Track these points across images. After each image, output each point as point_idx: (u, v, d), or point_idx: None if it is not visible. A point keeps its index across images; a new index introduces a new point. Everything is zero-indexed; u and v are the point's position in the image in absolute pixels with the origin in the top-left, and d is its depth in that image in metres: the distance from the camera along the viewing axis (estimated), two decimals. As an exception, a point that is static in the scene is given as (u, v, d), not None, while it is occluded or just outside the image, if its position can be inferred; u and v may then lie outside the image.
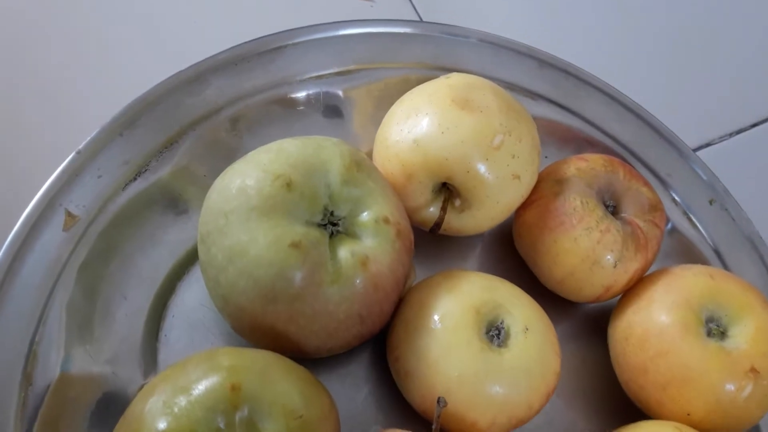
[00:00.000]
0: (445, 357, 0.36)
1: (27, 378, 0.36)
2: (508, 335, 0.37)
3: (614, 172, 0.43)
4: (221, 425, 0.30)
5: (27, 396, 0.36)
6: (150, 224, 0.42)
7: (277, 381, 0.32)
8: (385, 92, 0.49)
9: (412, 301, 0.39)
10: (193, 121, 0.45)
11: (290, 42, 0.49)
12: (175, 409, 0.30)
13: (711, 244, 0.49)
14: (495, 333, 0.37)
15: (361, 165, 0.38)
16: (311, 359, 0.38)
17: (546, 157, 0.49)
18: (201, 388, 0.30)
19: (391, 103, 0.44)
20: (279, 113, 0.47)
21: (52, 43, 0.52)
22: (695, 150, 0.58)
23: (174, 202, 0.44)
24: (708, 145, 0.60)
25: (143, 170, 0.43)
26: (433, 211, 0.42)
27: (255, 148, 0.38)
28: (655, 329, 0.39)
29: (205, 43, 0.48)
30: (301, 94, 0.48)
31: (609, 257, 0.40)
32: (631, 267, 0.41)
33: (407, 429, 0.35)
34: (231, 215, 0.35)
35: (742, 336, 0.38)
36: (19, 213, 0.39)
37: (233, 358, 0.32)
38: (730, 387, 0.37)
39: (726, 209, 0.50)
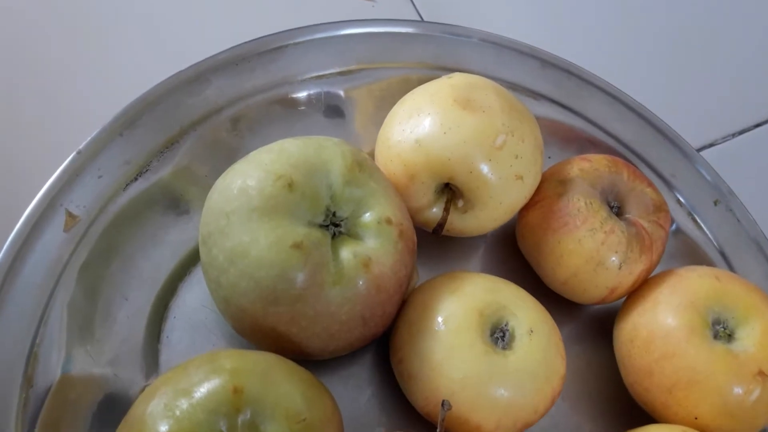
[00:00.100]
0: (448, 359, 0.36)
1: (28, 379, 0.36)
2: (512, 337, 0.37)
3: (618, 173, 0.43)
4: (223, 428, 0.30)
5: (28, 397, 0.36)
6: (151, 225, 0.42)
7: (280, 383, 0.31)
8: (387, 92, 0.49)
9: (416, 303, 0.39)
10: (194, 121, 0.45)
11: (291, 42, 0.48)
12: (177, 412, 0.29)
13: (716, 245, 0.49)
14: (499, 335, 0.37)
15: (363, 165, 0.38)
16: (314, 361, 0.38)
17: (549, 157, 0.49)
18: (203, 390, 0.30)
19: (393, 103, 0.44)
20: (280, 113, 0.47)
21: (52, 42, 0.52)
22: (698, 150, 0.57)
23: (175, 202, 0.43)
24: (711, 145, 0.60)
25: (144, 170, 0.43)
26: (435, 211, 0.42)
27: (256, 149, 0.38)
28: (661, 331, 0.39)
29: (206, 43, 0.48)
30: (302, 94, 0.48)
31: (613, 258, 0.40)
32: (636, 268, 0.41)
33: (410, 432, 0.35)
34: (232, 216, 0.34)
35: (749, 339, 0.38)
36: (20, 213, 0.39)
37: (235, 361, 0.32)
38: (737, 390, 0.37)
39: (731, 210, 0.50)
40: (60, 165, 0.41)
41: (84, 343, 0.38)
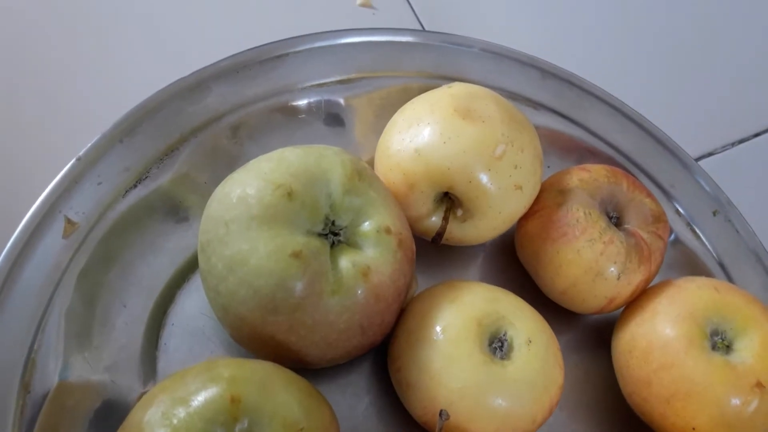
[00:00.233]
0: (447, 368, 0.36)
1: (25, 386, 0.36)
2: (511, 347, 0.37)
3: (617, 183, 0.43)
4: (221, 438, 0.29)
5: (25, 404, 0.36)
6: (150, 232, 0.42)
7: (278, 392, 0.31)
8: (387, 101, 0.49)
9: (414, 312, 0.39)
10: (194, 128, 0.45)
11: (292, 50, 0.49)
12: (174, 421, 0.29)
13: (715, 255, 0.49)
14: (498, 345, 0.37)
15: (363, 174, 0.38)
16: (312, 370, 0.38)
17: (548, 167, 0.49)
18: (200, 399, 0.30)
19: (393, 112, 0.44)
20: (280, 121, 0.47)
21: (52, 48, 0.52)
22: (697, 159, 0.57)
23: (174, 209, 0.43)
24: (710, 154, 0.60)
25: (143, 177, 0.43)
26: (435, 220, 0.42)
27: (256, 156, 0.38)
28: (659, 342, 0.39)
29: (207, 51, 0.48)
30: (302, 102, 0.48)
31: (612, 269, 0.40)
32: (635, 279, 0.41)
33: (408, 441, 0.35)
34: (231, 224, 0.34)
35: (747, 350, 0.38)
36: (19, 219, 0.39)
37: (233, 369, 0.32)
38: (735, 401, 0.36)
39: (730, 220, 0.50)
40: (59, 171, 0.41)
41: (82, 349, 0.38)
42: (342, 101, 0.49)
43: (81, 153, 0.42)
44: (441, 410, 0.34)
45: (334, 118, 0.49)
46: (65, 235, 0.40)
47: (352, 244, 0.36)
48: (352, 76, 0.49)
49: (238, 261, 0.34)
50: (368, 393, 0.41)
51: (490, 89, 0.43)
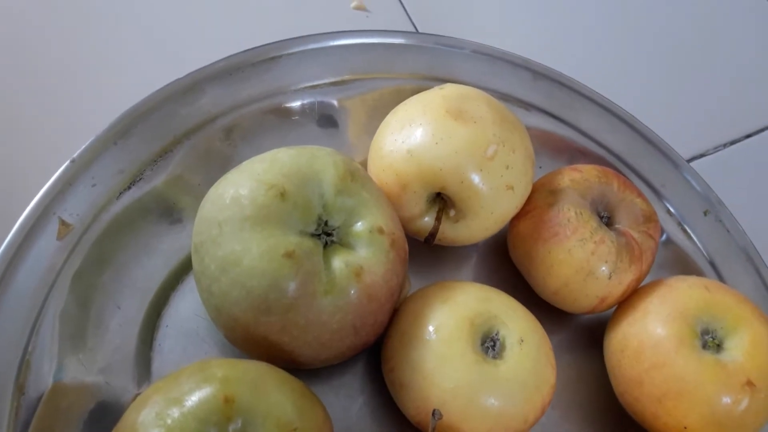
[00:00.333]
0: (439, 368, 0.36)
1: (19, 388, 0.36)
2: (503, 347, 0.37)
3: (608, 183, 0.43)
4: (214, 437, 0.30)
5: (19, 406, 0.36)
6: (144, 233, 0.42)
7: (271, 392, 0.31)
8: (380, 102, 0.49)
9: (407, 312, 0.39)
10: (187, 130, 0.45)
11: (285, 52, 0.49)
12: (168, 421, 0.29)
13: (706, 255, 0.49)
14: (490, 344, 0.37)
15: (355, 175, 0.38)
16: (305, 370, 0.38)
17: (540, 167, 0.50)
18: (194, 399, 0.30)
19: (386, 114, 0.44)
20: (274, 123, 0.47)
21: (45, 50, 0.52)
22: (689, 161, 0.58)
23: (168, 211, 0.43)
24: (702, 155, 0.60)
25: (137, 179, 0.43)
26: (427, 221, 0.42)
27: (249, 158, 0.38)
28: (651, 341, 0.39)
29: (200, 53, 0.48)
30: (296, 104, 0.48)
31: (603, 268, 0.40)
32: (626, 278, 0.41)
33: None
34: (224, 225, 0.35)
35: (737, 349, 0.38)
36: (13, 221, 0.39)
37: (226, 370, 0.32)
38: (726, 400, 0.37)
39: (720, 220, 0.50)
40: (53, 173, 0.41)
41: (76, 351, 0.38)
42: (335, 103, 0.49)
43: (75, 155, 0.42)
44: (434, 410, 0.34)
45: (327, 120, 0.49)
46: (59, 237, 0.40)
47: (345, 244, 0.36)
48: (346, 77, 0.50)
49: (230, 261, 0.34)
50: (362, 393, 0.41)
51: (482, 90, 0.44)
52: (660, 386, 0.38)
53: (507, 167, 0.40)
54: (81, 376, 0.38)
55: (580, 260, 0.40)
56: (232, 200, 0.35)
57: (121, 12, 0.55)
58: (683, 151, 0.53)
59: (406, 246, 0.39)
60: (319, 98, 0.49)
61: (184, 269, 0.42)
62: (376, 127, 0.44)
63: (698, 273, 0.48)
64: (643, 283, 0.43)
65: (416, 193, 0.40)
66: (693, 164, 0.56)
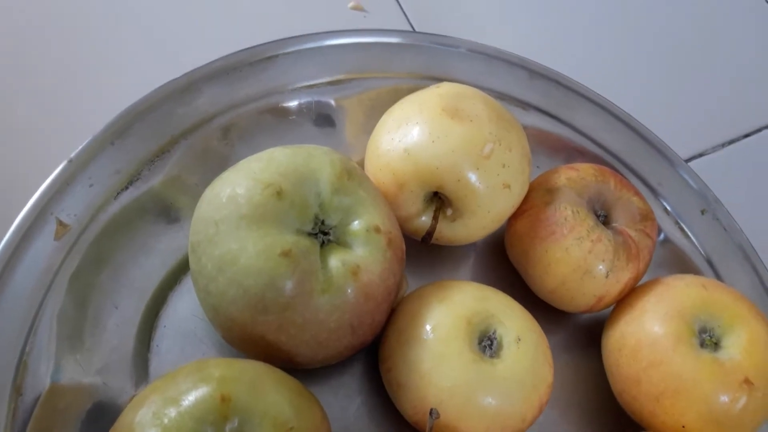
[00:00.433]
0: (437, 368, 0.36)
1: (17, 388, 0.36)
2: (500, 346, 0.37)
3: (605, 182, 0.43)
4: (211, 436, 0.30)
5: (17, 407, 0.36)
6: (141, 233, 0.42)
7: (268, 392, 0.31)
8: (377, 101, 0.49)
9: (404, 312, 0.39)
10: (184, 130, 0.45)
11: (282, 51, 0.49)
12: (165, 420, 0.29)
13: (703, 253, 0.49)
14: (487, 343, 0.37)
15: (352, 174, 0.38)
16: (303, 370, 0.38)
17: (537, 166, 0.50)
18: (191, 399, 0.30)
19: (383, 113, 0.44)
20: (271, 122, 0.47)
21: (43, 51, 0.52)
22: (687, 160, 0.58)
23: (166, 211, 0.43)
24: (701, 155, 0.60)
25: (135, 179, 0.43)
26: (424, 220, 0.42)
27: (246, 157, 0.38)
28: (648, 340, 0.39)
29: (198, 52, 0.48)
30: (293, 104, 0.48)
31: (600, 267, 0.40)
32: (623, 277, 0.41)
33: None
34: (221, 224, 0.34)
35: (735, 347, 0.38)
36: (10, 222, 0.39)
37: (223, 369, 0.32)
38: (724, 398, 0.37)
39: (717, 219, 0.50)
40: (51, 174, 0.41)
41: (73, 351, 0.38)
42: (332, 102, 0.49)
43: (72, 155, 0.42)
44: (431, 409, 0.34)
45: (324, 119, 0.49)
46: (57, 237, 0.40)
47: (342, 243, 0.36)
48: (342, 77, 0.50)
49: (227, 261, 0.34)
50: (360, 393, 0.41)
51: (479, 89, 0.44)
52: (658, 385, 0.38)
53: (503, 166, 0.40)
54: (78, 376, 0.38)
55: (577, 259, 0.40)
56: (229, 199, 0.35)
57: (118, 12, 0.55)
58: (682, 150, 0.53)
59: (403, 245, 0.39)
60: (316, 98, 0.49)
61: (181, 269, 0.42)
62: (373, 126, 0.44)
63: (695, 271, 0.48)
64: (640, 282, 0.43)
65: (413, 192, 0.40)
66: (692, 164, 0.56)
